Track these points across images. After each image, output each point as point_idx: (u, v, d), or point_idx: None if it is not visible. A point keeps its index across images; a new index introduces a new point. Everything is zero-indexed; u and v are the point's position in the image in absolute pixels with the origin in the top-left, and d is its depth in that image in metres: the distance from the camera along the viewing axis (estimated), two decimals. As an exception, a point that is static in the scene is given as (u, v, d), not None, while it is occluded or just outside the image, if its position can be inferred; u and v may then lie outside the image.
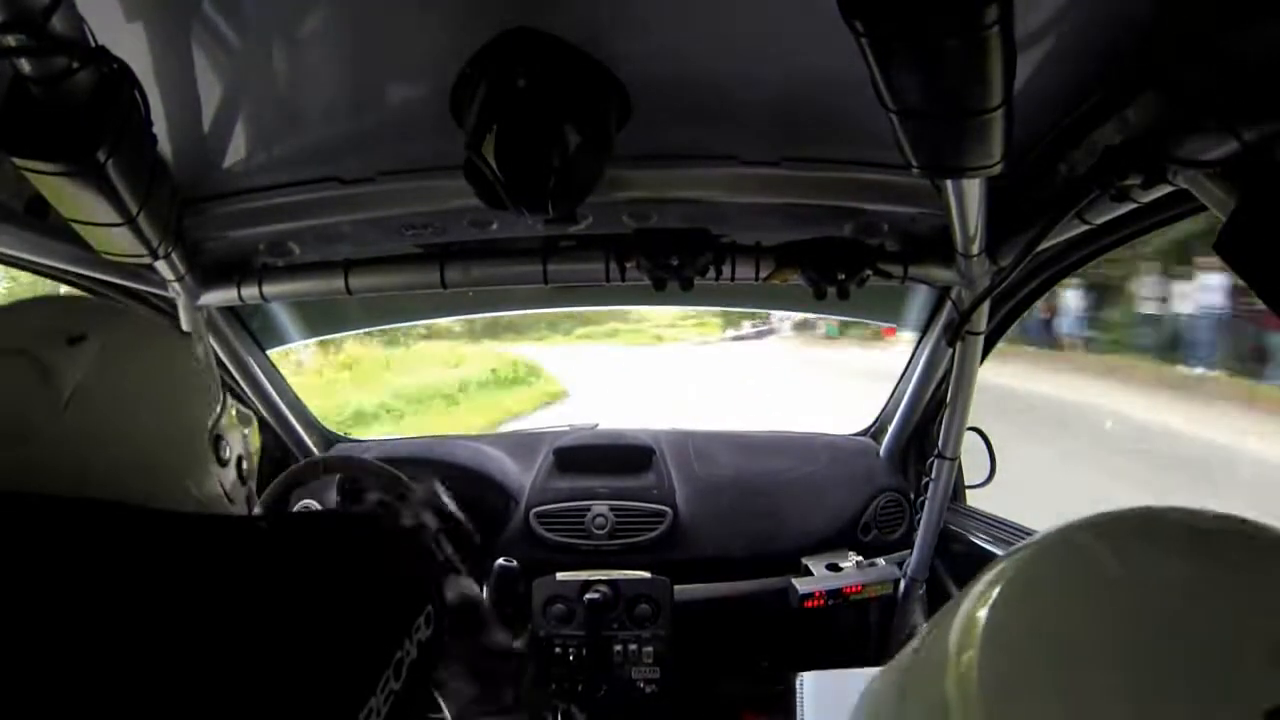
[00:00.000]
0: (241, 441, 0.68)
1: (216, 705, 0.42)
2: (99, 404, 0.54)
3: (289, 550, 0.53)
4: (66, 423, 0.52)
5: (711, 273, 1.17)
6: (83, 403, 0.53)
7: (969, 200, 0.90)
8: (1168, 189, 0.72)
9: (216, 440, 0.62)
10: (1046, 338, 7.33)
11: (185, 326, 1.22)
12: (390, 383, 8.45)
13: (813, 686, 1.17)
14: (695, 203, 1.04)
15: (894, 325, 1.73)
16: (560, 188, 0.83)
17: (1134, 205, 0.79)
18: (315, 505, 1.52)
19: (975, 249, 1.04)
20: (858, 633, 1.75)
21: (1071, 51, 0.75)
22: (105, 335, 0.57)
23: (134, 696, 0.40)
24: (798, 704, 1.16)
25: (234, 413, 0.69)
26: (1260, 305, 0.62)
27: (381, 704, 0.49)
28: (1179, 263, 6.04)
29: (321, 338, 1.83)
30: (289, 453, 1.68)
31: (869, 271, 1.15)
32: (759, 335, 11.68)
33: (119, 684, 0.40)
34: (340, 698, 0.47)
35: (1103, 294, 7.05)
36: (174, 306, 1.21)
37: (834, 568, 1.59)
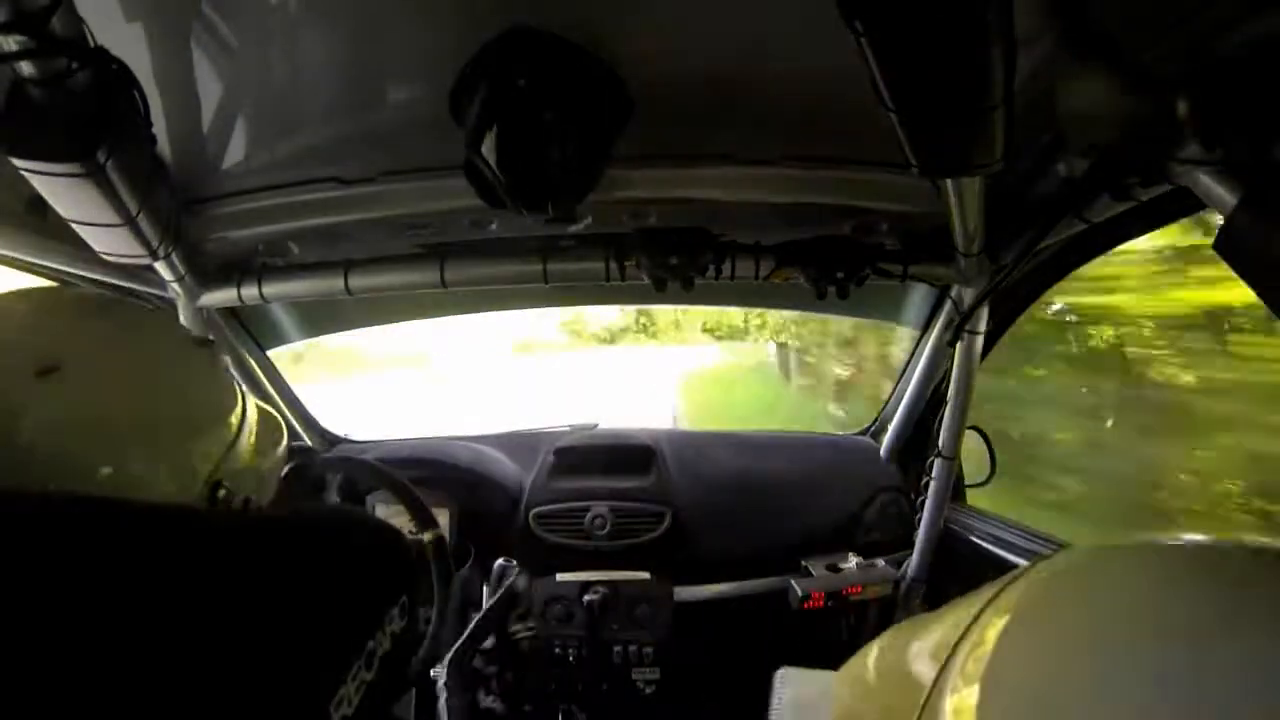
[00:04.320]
0: (256, 480, 0.62)
1: (185, 694, 0.42)
2: (64, 449, 0.47)
3: (261, 541, 0.53)
4: (20, 470, 0.46)
5: (711, 272, 1.17)
6: (47, 444, 0.46)
7: (969, 199, 0.90)
8: (1167, 188, 0.72)
9: (215, 487, 0.56)
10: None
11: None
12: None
13: (790, 683, 1.17)
14: (695, 202, 1.04)
15: (894, 324, 1.73)
16: (560, 187, 0.83)
17: (1134, 204, 0.79)
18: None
19: (975, 248, 1.04)
20: (857, 633, 1.75)
21: None
22: (85, 360, 0.49)
23: (103, 688, 0.40)
24: (775, 701, 1.16)
25: (254, 440, 0.61)
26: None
27: (353, 693, 0.49)
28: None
29: (321, 337, 1.82)
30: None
31: (869, 270, 1.15)
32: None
33: (87, 676, 0.40)
34: (311, 687, 0.47)
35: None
36: (174, 307, 1.21)
37: (834, 568, 1.59)
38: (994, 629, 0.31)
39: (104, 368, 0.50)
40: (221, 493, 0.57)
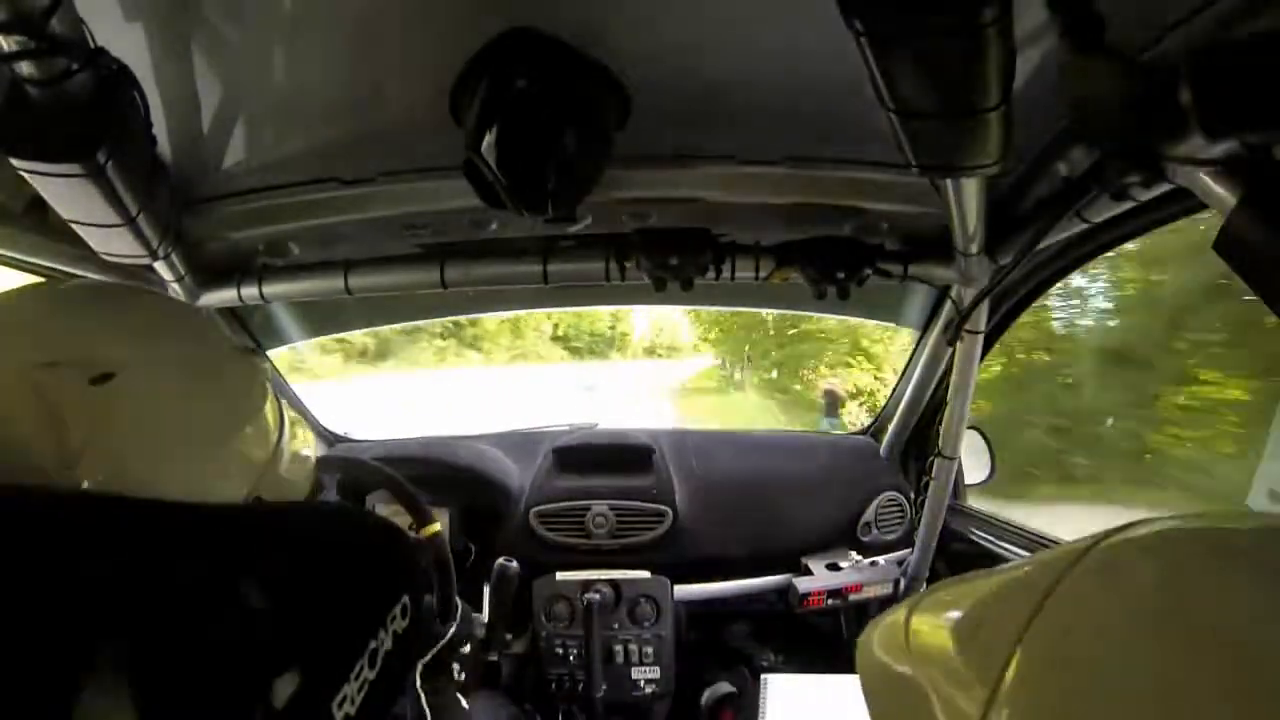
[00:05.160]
0: (290, 491, 0.62)
1: (189, 693, 0.42)
2: (112, 458, 0.47)
3: (265, 538, 0.53)
4: (69, 477, 0.46)
5: (711, 272, 1.17)
6: (96, 456, 0.46)
7: (968, 199, 0.90)
8: (1167, 187, 0.72)
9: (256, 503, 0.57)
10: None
11: None
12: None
13: (777, 689, 1.19)
14: (695, 202, 1.04)
15: (893, 324, 1.74)
16: (560, 188, 0.83)
17: (1133, 204, 0.79)
18: None
19: (975, 248, 1.04)
20: (857, 632, 1.75)
21: None
22: (139, 371, 0.48)
23: (105, 682, 0.40)
24: (761, 704, 1.17)
25: (292, 449, 0.61)
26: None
27: (355, 692, 0.49)
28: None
29: (321, 338, 1.83)
30: None
31: (869, 270, 1.15)
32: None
33: (90, 669, 0.40)
34: (315, 685, 0.47)
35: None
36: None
37: (834, 567, 1.59)
38: (1072, 611, 0.29)
39: (156, 379, 0.50)
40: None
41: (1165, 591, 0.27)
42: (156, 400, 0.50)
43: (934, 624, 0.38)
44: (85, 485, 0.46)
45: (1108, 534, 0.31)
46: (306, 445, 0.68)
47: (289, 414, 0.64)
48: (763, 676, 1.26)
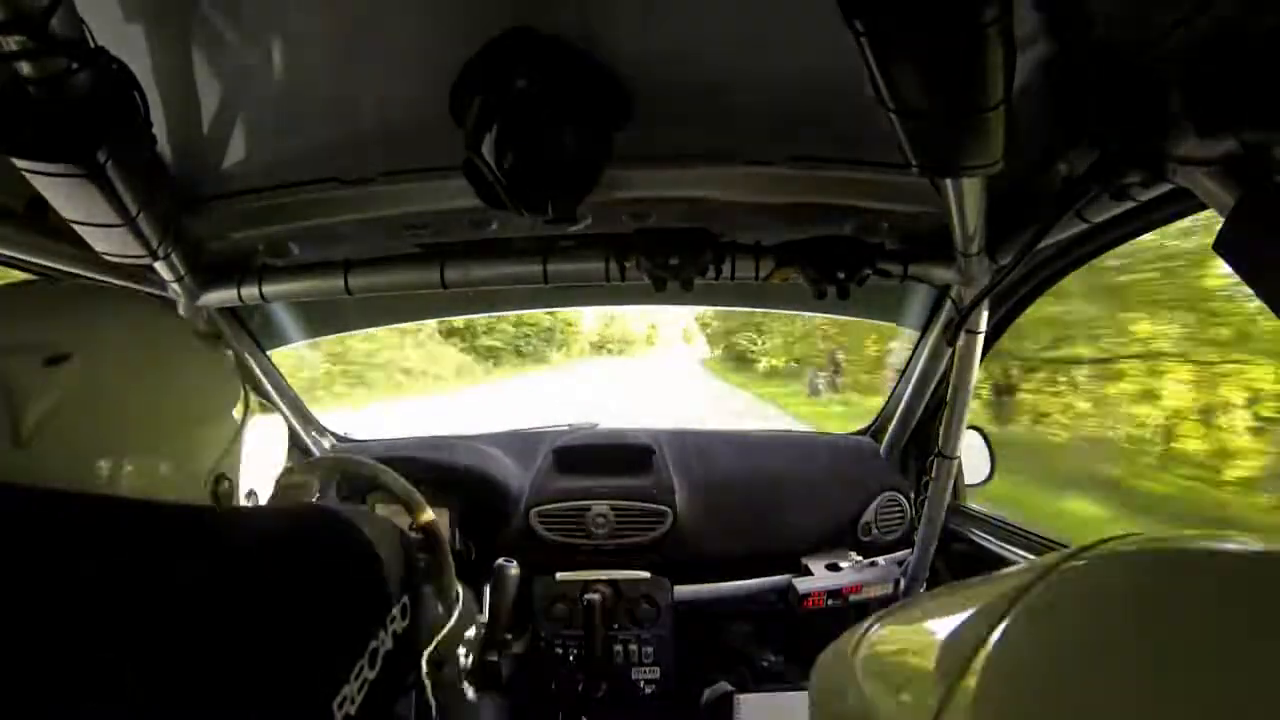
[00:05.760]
0: (257, 475, 0.63)
1: (189, 693, 0.42)
2: (69, 437, 0.47)
3: (264, 539, 0.53)
4: (23, 457, 0.46)
5: (711, 272, 1.17)
6: (50, 435, 0.47)
7: (968, 199, 0.90)
8: (1167, 187, 0.72)
9: (217, 481, 0.57)
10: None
11: None
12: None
13: (749, 708, 1.19)
14: (695, 202, 1.04)
15: (893, 324, 1.74)
16: (560, 188, 0.83)
17: (1133, 204, 0.79)
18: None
19: (975, 248, 1.04)
20: None
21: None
22: (93, 353, 0.49)
23: (108, 686, 0.40)
24: None
25: (255, 435, 0.61)
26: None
27: (355, 692, 0.49)
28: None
29: (321, 338, 1.83)
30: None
31: (869, 270, 1.15)
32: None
33: (91, 674, 0.40)
34: (314, 685, 0.47)
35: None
36: (173, 308, 1.21)
37: (834, 567, 1.59)
38: (1020, 637, 0.29)
39: (113, 359, 0.51)
40: (224, 485, 0.58)
41: (1123, 611, 0.28)
42: (113, 385, 0.50)
43: (886, 645, 0.39)
44: (41, 466, 0.46)
45: (1071, 554, 0.31)
46: (275, 433, 0.68)
47: (255, 406, 0.64)
48: (735, 697, 1.25)
